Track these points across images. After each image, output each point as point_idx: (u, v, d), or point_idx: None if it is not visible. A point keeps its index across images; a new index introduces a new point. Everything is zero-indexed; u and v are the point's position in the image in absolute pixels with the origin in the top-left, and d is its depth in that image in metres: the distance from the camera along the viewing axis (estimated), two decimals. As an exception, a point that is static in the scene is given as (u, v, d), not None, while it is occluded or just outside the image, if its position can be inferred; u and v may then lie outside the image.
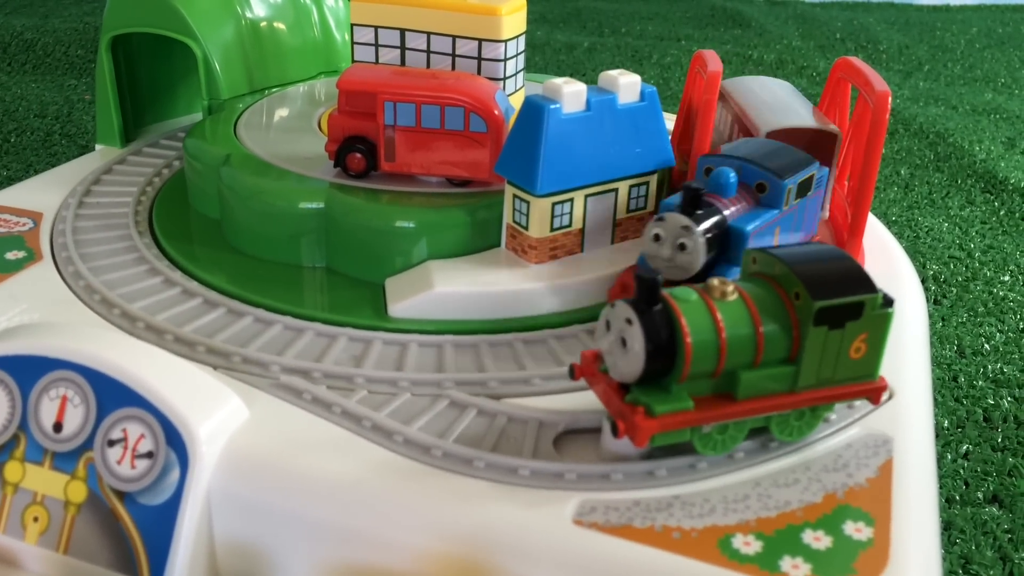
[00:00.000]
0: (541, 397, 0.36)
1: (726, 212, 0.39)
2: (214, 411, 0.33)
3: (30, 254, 0.43)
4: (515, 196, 0.42)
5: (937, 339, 0.63)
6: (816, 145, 0.47)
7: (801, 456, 0.34)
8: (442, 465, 0.33)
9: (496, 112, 0.43)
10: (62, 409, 0.33)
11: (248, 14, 0.55)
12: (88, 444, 0.32)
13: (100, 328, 0.38)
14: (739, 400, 0.32)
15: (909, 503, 0.33)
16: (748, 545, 0.30)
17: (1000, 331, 0.64)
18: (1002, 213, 0.84)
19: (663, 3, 1.68)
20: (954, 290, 0.69)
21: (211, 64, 0.53)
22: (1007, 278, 0.71)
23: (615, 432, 0.31)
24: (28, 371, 0.33)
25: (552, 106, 0.40)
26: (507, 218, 0.43)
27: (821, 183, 0.44)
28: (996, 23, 1.63)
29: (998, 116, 1.13)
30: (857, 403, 0.37)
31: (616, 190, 0.43)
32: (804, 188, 0.42)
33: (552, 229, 0.42)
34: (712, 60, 0.49)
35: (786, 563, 0.30)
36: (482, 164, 0.44)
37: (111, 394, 0.32)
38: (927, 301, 0.68)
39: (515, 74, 0.51)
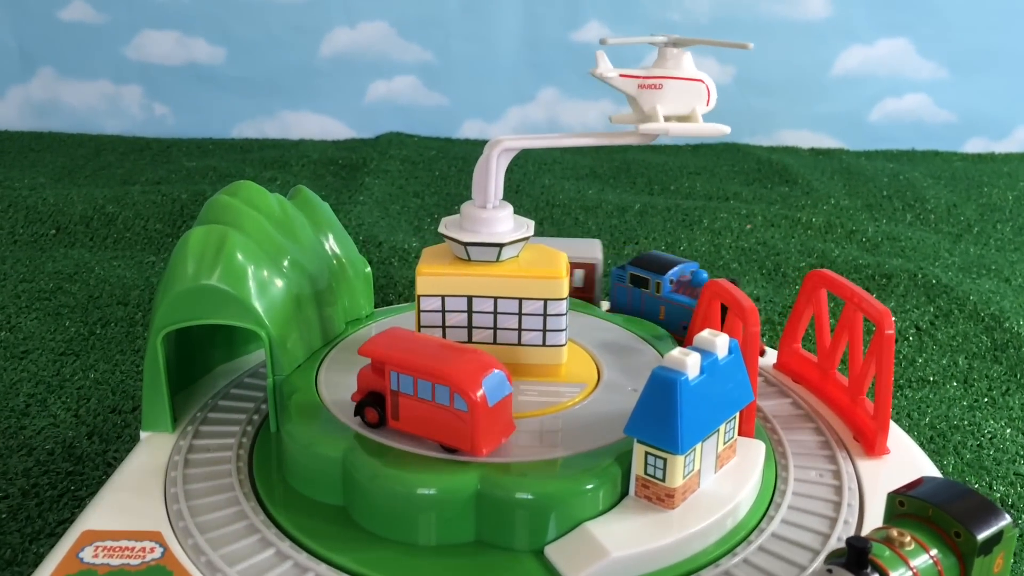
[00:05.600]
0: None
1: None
2: None
3: None
4: (647, 453, 0.47)
5: (1009, 581, 0.63)
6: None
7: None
8: None
9: (476, 396, 0.47)
10: None
11: (296, 288, 0.58)
12: None
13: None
14: None
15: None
16: None
17: (1071, 569, 0.64)
18: (1063, 416, 0.85)
19: (710, 157, 1.73)
20: (1023, 517, 0.70)
21: (276, 347, 0.55)
22: (1074, 501, 0.72)
23: None
24: None
25: (682, 379, 0.46)
26: (638, 471, 0.48)
27: None
28: (1042, 175, 1.65)
29: (1051, 290, 1.14)
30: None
31: (718, 431, 0.49)
32: None
33: (684, 476, 0.47)
34: (738, 294, 0.57)
35: None
36: (465, 438, 0.48)
37: None
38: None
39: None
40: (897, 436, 0.59)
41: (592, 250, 0.71)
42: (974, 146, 1.81)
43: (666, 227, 1.35)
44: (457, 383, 0.47)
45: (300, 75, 1.76)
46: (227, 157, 1.64)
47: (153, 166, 1.58)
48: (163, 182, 1.47)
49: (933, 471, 0.57)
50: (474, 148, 1.74)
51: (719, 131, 0.52)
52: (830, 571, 0.40)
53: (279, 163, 1.59)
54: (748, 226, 1.35)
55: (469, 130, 1.81)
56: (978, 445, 0.80)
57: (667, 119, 0.53)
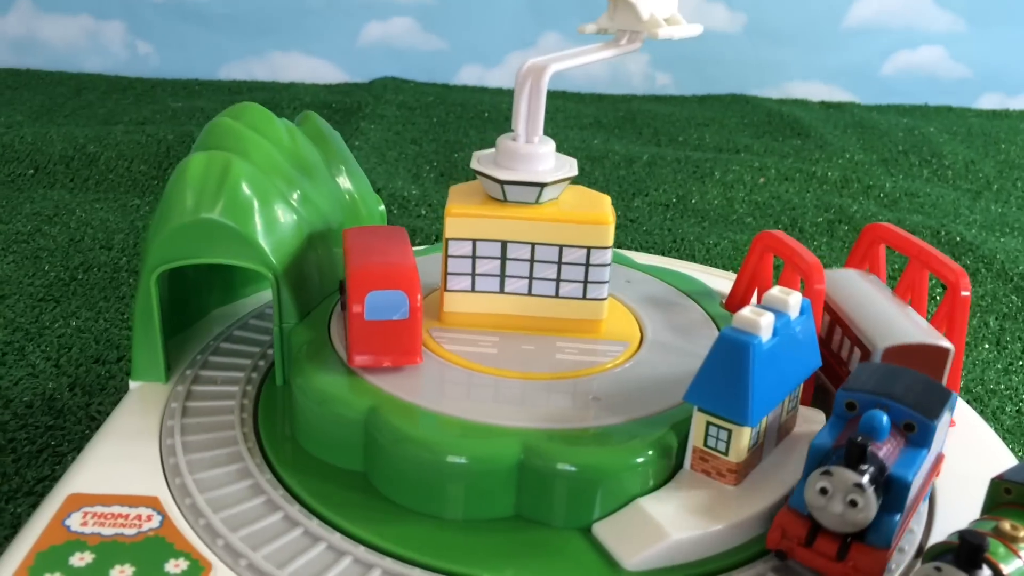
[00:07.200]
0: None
1: (883, 457, 0.39)
2: None
3: (194, 564, 0.38)
4: (709, 423, 0.42)
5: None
6: (928, 360, 0.48)
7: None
8: None
9: (355, 304, 0.45)
10: None
11: (307, 226, 0.52)
12: None
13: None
14: None
15: None
16: None
17: None
18: (1105, 381, 0.80)
19: (718, 107, 1.67)
20: (1075, 489, 0.65)
21: (284, 290, 0.49)
22: None
23: None
24: None
25: (755, 341, 0.40)
26: (697, 442, 0.43)
27: (953, 409, 0.44)
28: (1059, 134, 1.60)
29: (1077, 251, 1.10)
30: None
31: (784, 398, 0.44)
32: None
33: (748, 450, 0.42)
34: (813, 270, 0.51)
35: None
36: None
37: None
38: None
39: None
40: (960, 407, 0.54)
41: (932, 330, 0.49)
42: (989, 102, 1.76)
43: (676, 179, 1.29)
44: (350, 286, 0.46)
45: (291, 14, 1.67)
46: (214, 99, 1.56)
47: (137, 106, 1.50)
48: (148, 122, 1.39)
49: (1002, 447, 0.52)
50: (472, 95, 1.66)
51: (699, 30, 0.51)
52: (939, 569, 0.34)
53: (270, 106, 1.47)
54: (761, 179, 1.30)
55: (467, 76, 1.74)
56: (1017, 411, 0.76)
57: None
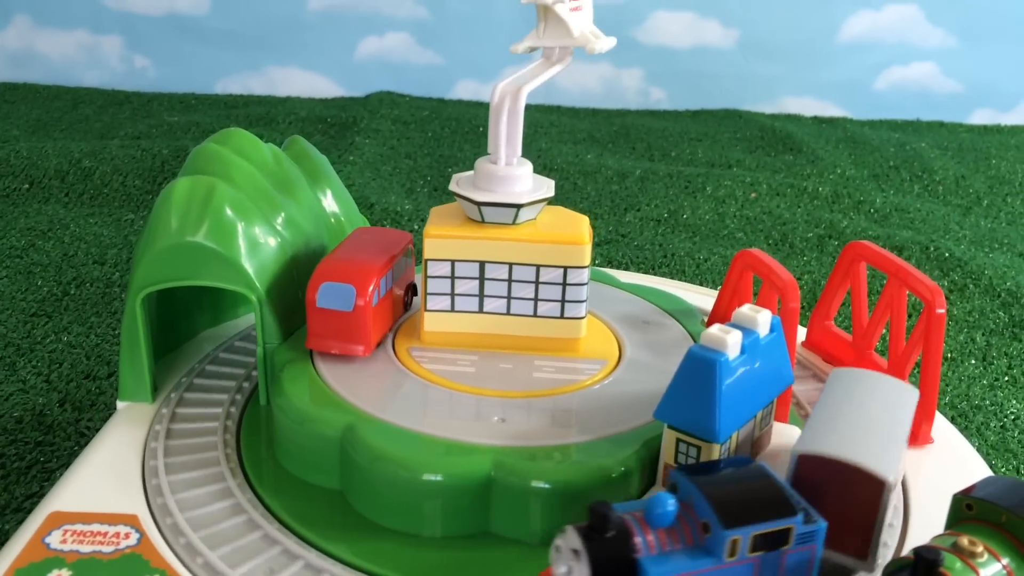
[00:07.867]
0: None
1: (637, 544, 0.35)
2: None
3: None
4: (679, 440, 0.42)
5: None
6: (859, 486, 0.39)
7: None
8: None
9: (311, 292, 0.49)
10: None
11: (290, 249, 0.53)
12: None
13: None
14: None
15: None
16: None
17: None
18: (1088, 397, 0.81)
19: (711, 123, 1.68)
20: (1054, 505, 0.66)
21: (267, 312, 0.50)
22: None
23: None
24: None
25: (722, 359, 0.41)
26: (667, 459, 0.43)
27: (810, 539, 0.37)
28: (1051, 149, 1.61)
29: (1066, 266, 1.11)
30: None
31: (756, 416, 0.45)
32: (771, 542, 0.36)
33: None
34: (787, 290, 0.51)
35: None
36: None
37: None
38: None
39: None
40: (938, 423, 0.54)
41: (888, 457, 0.40)
42: (981, 117, 1.77)
43: (668, 194, 1.30)
44: (313, 274, 0.49)
45: (287, 29, 1.69)
46: (210, 113, 1.57)
47: (133, 120, 1.51)
48: (143, 137, 1.40)
49: (980, 463, 0.52)
50: (468, 109, 1.68)
51: (613, 42, 0.52)
52: None
53: (266, 120, 1.52)
54: (753, 195, 1.30)
55: (462, 91, 1.75)
56: (1001, 426, 0.77)
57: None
